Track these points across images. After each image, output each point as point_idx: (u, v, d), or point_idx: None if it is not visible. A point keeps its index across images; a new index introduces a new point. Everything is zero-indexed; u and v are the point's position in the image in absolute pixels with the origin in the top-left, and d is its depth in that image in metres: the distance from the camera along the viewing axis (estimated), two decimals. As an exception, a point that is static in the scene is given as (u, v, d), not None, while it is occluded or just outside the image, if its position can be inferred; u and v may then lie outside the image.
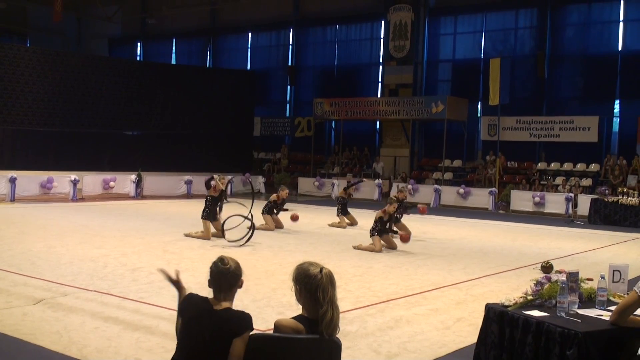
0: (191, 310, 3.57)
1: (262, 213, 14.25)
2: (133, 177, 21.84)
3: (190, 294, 3.72)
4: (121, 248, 10.81)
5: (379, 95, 28.66)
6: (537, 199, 20.95)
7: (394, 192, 14.22)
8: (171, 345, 5.63)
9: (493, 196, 21.85)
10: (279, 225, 14.31)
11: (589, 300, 4.65)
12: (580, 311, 4.40)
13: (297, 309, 3.57)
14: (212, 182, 12.74)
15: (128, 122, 25.89)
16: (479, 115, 26.50)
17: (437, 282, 8.93)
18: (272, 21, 31.98)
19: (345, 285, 8.10)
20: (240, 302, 7.26)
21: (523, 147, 24.83)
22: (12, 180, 18.90)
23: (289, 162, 30.03)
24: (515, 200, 21.51)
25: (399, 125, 27.42)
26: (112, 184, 21.50)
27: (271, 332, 3.48)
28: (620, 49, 23.98)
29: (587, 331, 3.98)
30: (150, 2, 35.83)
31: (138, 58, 37.57)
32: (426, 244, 12.74)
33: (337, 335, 3.45)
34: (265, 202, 14.85)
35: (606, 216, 18.27)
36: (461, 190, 22.48)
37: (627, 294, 4.36)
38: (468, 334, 6.27)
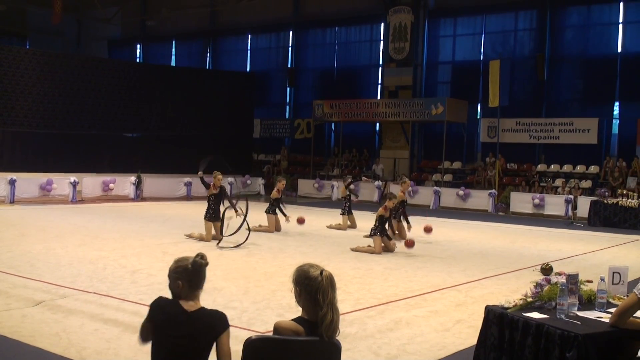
0: (163, 315, 3.52)
1: (266, 212, 14.24)
2: (133, 178, 21.83)
3: (160, 297, 3.64)
4: (120, 250, 10.81)
5: (378, 97, 28.67)
6: (536, 200, 20.95)
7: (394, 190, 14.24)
8: (170, 347, 5.63)
9: (493, 198, 21.85)
10: (277, 228, 14.30)
11: (588, 302, 4.65)
12: (580, 313, 4.40)
13: (297, 311, 3.57)
14: (209, 180, 12.74)
15: (127, 123, 25.89)
16: (478, 117, 26.50)
17: (436, 284, 8.93)
18: (271, 23, 31.99)
19: (345, 287, 8.09)
20: (240, 304, 7.27)
21: (523, 149, 24.83)
22: (12, 182, 18.89)
23: (289, 164, 30.03)
24: (514, 202, 21.50)
25: (398, 127, 27.42)
26: (111, 185, 21.49)
27: (271, 334, 3.47)
28: (619, 50, 23.98)
29: (587, 333, 3.98)
30: (150, 4, 35.85)
31: (138, 60, 37.57)
32: (426, 246, 12.74)
33: (337, 338, 3.45)
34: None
35: (606, 218, 18.26)
36: (461, 192, 22.48)
37: (627, 296, 4.36)
38: (468, 336, 6.27)
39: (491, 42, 26.52)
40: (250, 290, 8.05)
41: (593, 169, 23.24)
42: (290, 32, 31.94)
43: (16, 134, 23.19)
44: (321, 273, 3.43)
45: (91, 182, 21.25)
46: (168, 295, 3.69)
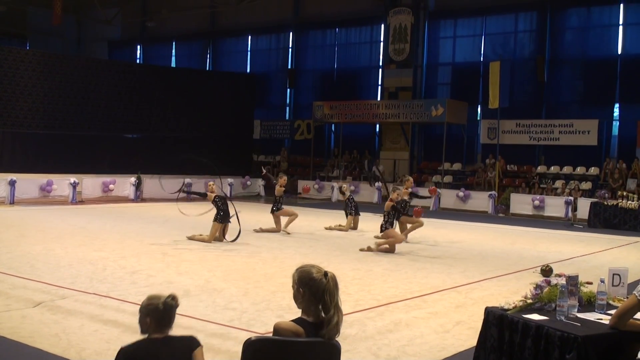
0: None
1: (272, 212, 14.24)
2: (132, 179, 21.82)
3: (122, 348, 3.43)
4: (120, 251, 10.80)
5: (378, 99, 28.68)
6: (536, 202, 20.95)
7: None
8: (170, 349, 5.63)
9: (492, 199, 21.84)
10: (278, 227, 14.29)
11: (588, 304, 4.64)
12: (580, 315, 4.39)
13: (297, 312, 3.57)
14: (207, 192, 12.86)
15: (128, 124, 25.91)
16: (478, 118, 26.51)
17: (436, 286, 8.93)
18: (272, 24, 32.00)
19: (344, 289, 8.08)
20: (240, 305, 7.27)
21: (523, 150, 24.83)
22: (12, 183, 18.88)
23: (289, 165, 30.03)
24: (514, 204, 21.50)
25: (398, 128, 27.43)
26: (111, 186, 21.48)
27: (271, 335, 3.47)
28: (619, 52, 23.99)
29: (587, 335, 3.98)
30: (150, 5, 35.86)
31: (138, 61, 37.59)
32: (426, 247, 12.74)
33: (337, 339, 3.45)
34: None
35: (606, 220, 18.25)
36: (461, 194, 22.48)
37: (627, 297, 4.36)
38: (467, 337, 6.26)
39: (491, 43, 26.52)
40: (250, 292, 8.05)
41: (593, 170, 23.24)
42: (291, 34, 31.95)
43: (16, 135, 23.20)
44: (326, 275, 3.43)
45: (91, 183, 21.25)
46: (164, 295, 3.65)
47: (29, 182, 19.68)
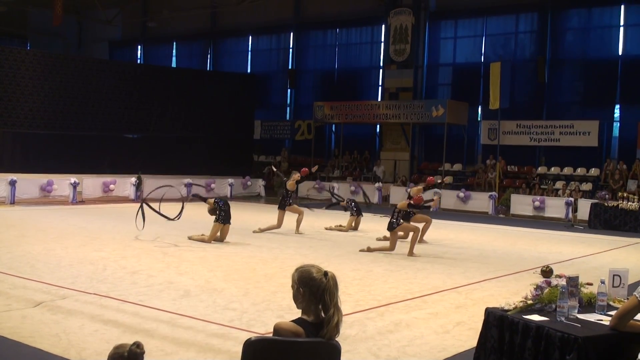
0: None
1: (279, 208, 14.23)
2: (133, 180, 21.83)
3: None
4: (121, 251, 10.81)
5: (379, 99, 28.68)
6: (537, 203, 20.94)
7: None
8: (170, 348, 5.64)
9: (493, 200, 21.83)
10: (279, 224, 14.23)
11: (588, 304, 4.64)
12: (580, 316, 4.39)
13: (298, 312, 3.57)
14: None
15: (128, 125, 25.91)
16: (479, 119, 26.50)
17: (436, 286, 8.93)
18: (272, 24, 32.00)
19: (345, 289, 8.08)
20: (240, 305, 7.27)
21: (523, 151, 24.83)
22: (12, 183, 18.88)
23: (289, 166, 30.00)
24: (515, 205, 21.49)
25: (399, 129, 27.43)
26: (112, 186, 21.48)
27: (271, 335, 3.47)
28: (620, 53, 23.98)
29: (587, 336, 3.98)
30: (150, 5, 35.87)
31: (138, 61, 37.60)
32: (426, 248, 12.73)
33: (337, 339, 3.45)
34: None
35: (606, 221, 18.25)
36: (461, 194, 22.48)
37: (627, 298, 4.36)
38: (468, 338, 6.26)
39: (492, 44, 26.52)
40: (251, 292, 8.05)
41: (593, 171, 23.24)
42: (291, 34, 31.96)
43: (17, 135, 23.21)
44: (325, 274, 3.43)
45: (91, 183, 21.24)
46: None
47: (29, 182, 19.68)
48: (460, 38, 27.45)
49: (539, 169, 24.36)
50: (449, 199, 22.72)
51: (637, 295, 3.92)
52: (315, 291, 3.39)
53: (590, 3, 24.56)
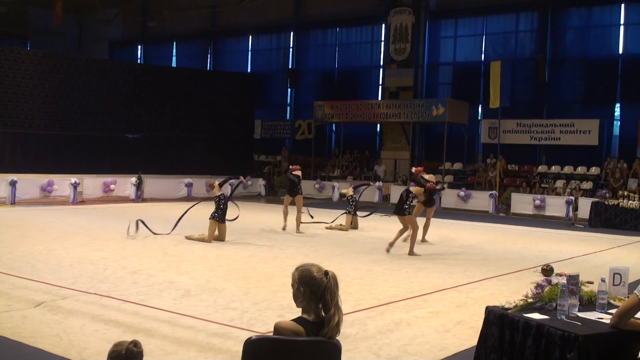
0: None
1: (294, 195, 14.74)
2: (133, 179, 21.84)
3: None
4: (121, 251, 10.81)
5: (379, 98, 28.66)
6: (537, 202, 20.94)
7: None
8: (171, 348, 5.64)
9: (493, 199, 21.84)
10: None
11: (589, 303, 4.64)
12: (581, 314, 4.39)
13: (298, 312, 3.57)
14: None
15: (128, 125, 25.91)
16: (479, 118, 26.50)
17: (437, 285, 8.93)
18: (272, 24, 32.00)
19: (345, 288, 8.09)
20: (241, 304, 7.27)
21: (523, 150, 24.81)
22: (13, 183, 18.89)
23: (289, 165, 30.01)
24: (515, 203, 21.49)
25: (399, 128, 27.42)
26: (112, 186, 21.49)
27: (271, 334, 3.47)
28: (620, 52, 23.96)
29: (588, 334, 3.98)
30: (150, 5, 35.86)
31: (139, 61, 37.61)
32: (426, 247, 12.73)
33: (337, 338, 3.45)
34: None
35: (606, 219, 18.25)
36: (462, 193, 22.47)
37: (628, 297, 4.35)
38: (468, 336, 6.26)
39: (492, 43, 26.51)
40: (251, 291, 8.05)
41: (594, 170, 23.22)
42: (291, 33, 31.95)
43: (17, 135, 23.21)
44: (326, 273, 3.43)
45: (92, 183, 21.25)
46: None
47: (29, 183, 19.69)
48: (461, 37, 27.44)
49: (540, 167, 24.35)
50: (450, 198, 22.72)
51: (637, 294, 3.92)
52: (315, 290, 3.39)
53: (590, 2, 24.54)
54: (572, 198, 20.41)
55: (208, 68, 34.25)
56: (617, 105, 24.14)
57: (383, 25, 28.46)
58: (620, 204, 18.20)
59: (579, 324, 4.18)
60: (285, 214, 14.77)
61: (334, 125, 29.74)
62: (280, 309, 7.03)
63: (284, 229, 14.53)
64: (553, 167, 24.09)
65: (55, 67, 23.86)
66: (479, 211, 21.66)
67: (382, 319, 6.93)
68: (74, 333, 5.95)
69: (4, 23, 34.57)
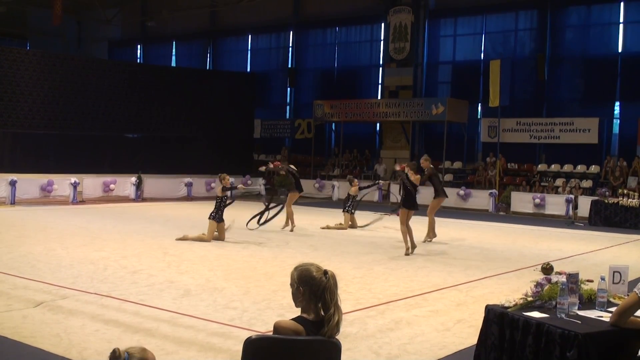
0: None
1: (298, 191, 14.91)
2: (133, 179, 21.84)
3: None
4: (121, 251, 10.81)
5: (379, 97, 28.65)
6: (537, 200, 20.94)
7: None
8: (171, 348, 5.64)
9: (493, 198, 21.84)
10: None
11: (589, 301, 4.64)
12: (581, 312, 4.39)
13: (298, 311, 3.57)
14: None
15: (128, 124, 25.91)
16: (479, 117, 26.48)
17: (437, 284, 8.93)
18: (272, 23, 31.99)
19: (345, 287, 8.10)
20: (241, 304, 7.28)
21: (523, 148, 24.81)
22: (13, 183, 18.89)
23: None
24: (515, 202, 21.50)
25: (399, 127, 27.42)
26: (112, 186, 21.49)
27: (271, 333, 3.48)
28: (620, 50, 23.95)
29: (587, 332, 3.98)
30: (150, 5, 35.85)
31: (138, 60, 37.59)
32: (426, 246, 12.74)
33: (337, 337, 3.45)
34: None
35: (606, 218, 18.26)
36: (461, 192, 22.47)
37: (628, 295, 4.36)
38: (468, 335, 6.27)
39: (491, 42, 26.50)
40: (251, 291, 8.05)
41: (594, 168, 23.22)
42: (291, 33, 31.94)
43: (17, 135, 23.21)
44: (325, 273, 3.43)
45: (92, 183, 21.25)
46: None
47: (29, 182, 19.69)
48: (460, 36, 27.43)
49: (539, 166, 24.34)
50: (450, 196, 22.59)
51: (637, 292, 3.92)
52: (315, 290, 3.39)
53: (589, 0, 24.54)
54: (572, 196, 20.41)
55: (208, 68, 34.25)
56: (617, 103, 24.13)
57: (382, 24, 28.44)
58: (620, 202, 18.21)
59: (579, 322, 4.18)
60: (291, 214, 14.65)
61: (333, 124, 29.74)
62: (280, 309, 7.03)
63: (291, 230, 14.42)
64: (553, 165, 24.08)
65: (55, 67, 23.86)
66: (479, 210, 21.66)
67: (382, 318, 6.93)
68: (74, 333, 5.96)
69: (4, 23, 34.53)
